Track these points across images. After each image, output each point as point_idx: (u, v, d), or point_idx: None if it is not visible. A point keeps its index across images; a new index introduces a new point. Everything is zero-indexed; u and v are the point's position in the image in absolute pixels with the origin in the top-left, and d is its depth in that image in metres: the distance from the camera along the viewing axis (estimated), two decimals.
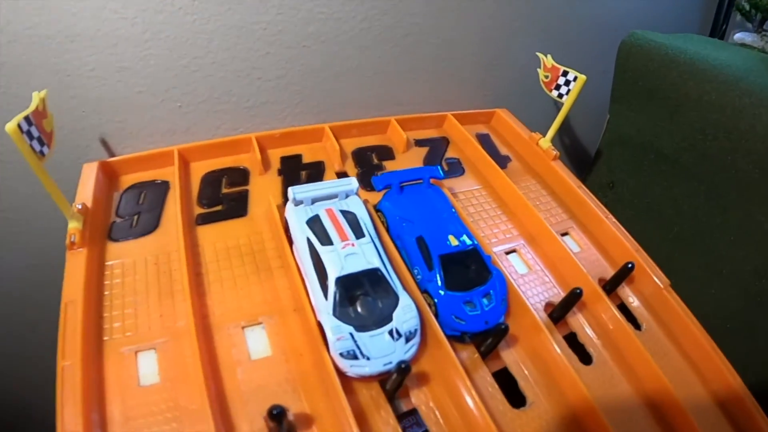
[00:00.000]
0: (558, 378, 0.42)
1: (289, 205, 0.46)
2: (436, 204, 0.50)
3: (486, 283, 0.43)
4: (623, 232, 0.56)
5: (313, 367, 0.39)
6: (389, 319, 0.38)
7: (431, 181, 0.53)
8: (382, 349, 0.37)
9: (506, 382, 0.42)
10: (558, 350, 0.42)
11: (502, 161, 0.67)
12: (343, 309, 0.38)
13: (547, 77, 0.63)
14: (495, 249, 0.53)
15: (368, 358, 0.36)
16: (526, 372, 0.43)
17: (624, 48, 0.73)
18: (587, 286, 0.48)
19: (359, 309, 0.39)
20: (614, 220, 0.58)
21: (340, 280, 0.39)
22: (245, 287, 0.44)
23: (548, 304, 0.49)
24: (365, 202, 0.50)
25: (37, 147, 0.39)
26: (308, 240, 0.42)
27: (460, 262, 0.44)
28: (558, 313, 0.47)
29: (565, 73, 0.60)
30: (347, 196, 0.47)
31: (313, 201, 0.46)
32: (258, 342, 0.40)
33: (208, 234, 0.49)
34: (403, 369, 0.34)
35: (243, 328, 0.41)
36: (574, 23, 0.78)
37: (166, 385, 0.37)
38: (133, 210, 0.50)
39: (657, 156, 0.75)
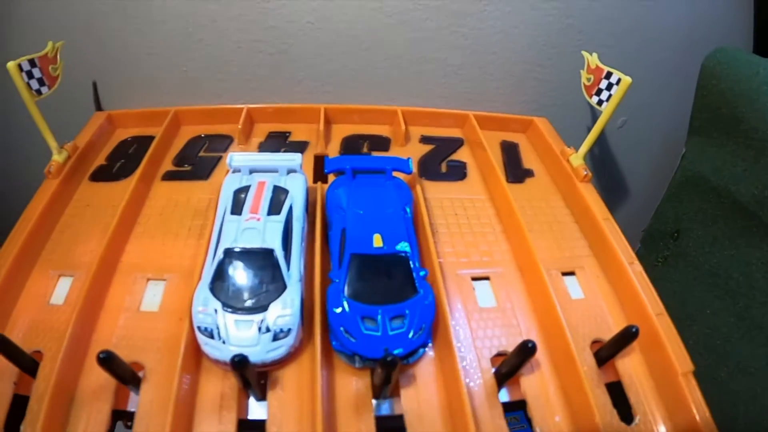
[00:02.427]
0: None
1: (230, 173, 0.44)
2: (387, 200, 0.43)
3: (403, 301, 0.36)
4: (647, 287, 0.43)
5: (185, 334, 0.36)
6: (264, 309, 0.34)
7: (395, 174, 0.47)
8: (242, 339, 0.33)
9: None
10: (469, 413, 0.32)
11: (521, 175, 0.57)
12: (219, 283, 0.35)
13: (589, 80, 0.53)
14: (461, 271, 0.44)
15: (224, 342, 0.33)
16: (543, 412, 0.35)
17: (708, 66, 0.59)
18: (562, 345, 0.38)
19: (237, 289, 0.35)
20: (640, 269, 0.45)
21: (226, 252, 0.36)
22: (170, 244, 0.44)
23: (499, 354, 0.39)
24: (318, 185, 0.46)
25: (35, 86, 0.46)
26: (226, 208, 0.40)
27: (379, 269, 0.37)
28: (505, 368, 0.37)
29: (608, 75, 0.50)
30: (289, 172, 0.44)
31: (251, 171, 0.43)
32: (153, 297, 0.40)
33: (165, 189, 0.50)
34: (237, 362, 0.29)
35: (148, 280, 0.41)
36: (643, 29, 0.64)
37: (65, 309, 0.38)
38: (120, 158, 0.54)
39: (733, 206, 0.59)
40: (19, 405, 0.32)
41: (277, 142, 0.57)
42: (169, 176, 0.51)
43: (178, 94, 0.59)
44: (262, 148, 0.56)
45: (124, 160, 0.53)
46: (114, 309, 0.38)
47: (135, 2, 0.53)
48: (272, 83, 0.60)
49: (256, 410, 0.34)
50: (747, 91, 0.55)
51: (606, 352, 0.39)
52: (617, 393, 0.38)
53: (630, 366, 0.40)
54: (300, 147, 0.56)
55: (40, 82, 0.46)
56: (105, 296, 0.39)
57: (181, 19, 0.55)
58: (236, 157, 0.43)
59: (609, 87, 0.50)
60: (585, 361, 0.37)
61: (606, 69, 0.51)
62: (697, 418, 0.35)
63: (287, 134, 0.58)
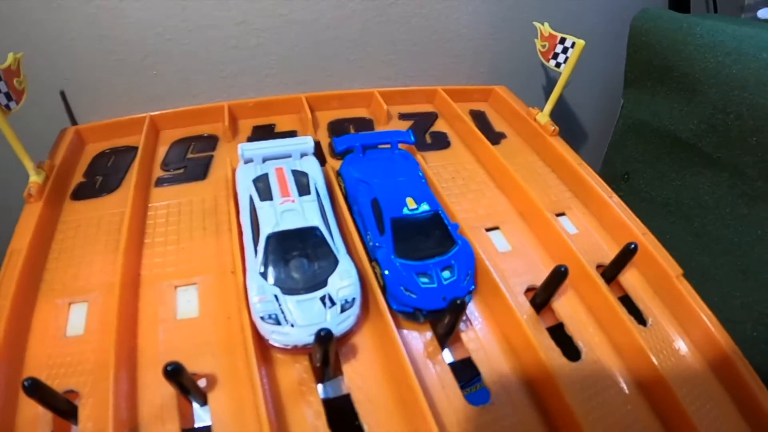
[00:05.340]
0: (531, 372, 0.36)
1: (240, 164, 0.43)
2: (402, 168, 0.45)
3: (447, 253, 0.38)
4: (629, 214, 0.49)
5: (238, 332, 0.35)
6: (323, 284, 0.34)
7: (401, 146, 0.49)
8: (310, 317, 0.33)
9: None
10: (534, 339, 0.35)
11: (495, 137, 0.62)
12: (272, 268, 0.34)
13: (544, 47, 0.58)
14: (474, 225, 0.48)
15: (293, 325, 0.32)
16: (493, 365, 0.37)
17: (636, 25, 0.67)
18: (579, 268, 0.42)
19: (291, 270, 0.35)
20: (619, 200, 0.51)
21: (271, 237, 0.35)
22: (188, 248, 0.42)
23: (530, 289, 0.43)
24: (326, 167, 0.46)
25: (3, 101, 0.42)
26: (250, 196, 0.39)
27: (418, 228, 0.39)
28: (540, 296, 0.41)
29: (562, 40, 0.55)
30: (302, 156, 0.44)
31: (265, 160, 0.43)
32: (188, 302, 0.38)
33: (164, 195, 0.47)
34: (323, 337, 0.29)
35: (176, 287, 0.39)
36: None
37: (88, 338, 0.35)
38: (99, 172, 0.50)
39: (674, 143, 0.68)
40: None
41: (264, 135, 0.56)
42: (163, 182, 0.48)
43: (152, 99, 0.56)
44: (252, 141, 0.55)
45: (105, 174, 0.49)
46: (149, 323, 0.36)
47: (97, 6, 0.50)
48: (247, 78, 0.59)
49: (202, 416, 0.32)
50: (674, 44, 0.63)
51: (610, 272, 0.45)
52: (628, 305, 0.43)
53: (632, 280, 0.46)
54: (289, 137, 0.55)
55: (7, 96, 0.42)
56: (137, 313, 0.36)
57: (147, 21, 0.52)
58: (247, 148, 0.42)
59: (565, 50, 0.56)
60: (597, 281, 0.42)
61: (559, 35, 0.56)
62: (698, 310, 0.41)
63: (272, 126, 0.57)
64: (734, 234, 0.62)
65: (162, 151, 0.53)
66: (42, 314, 0.37)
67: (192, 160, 0.51)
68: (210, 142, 0.54)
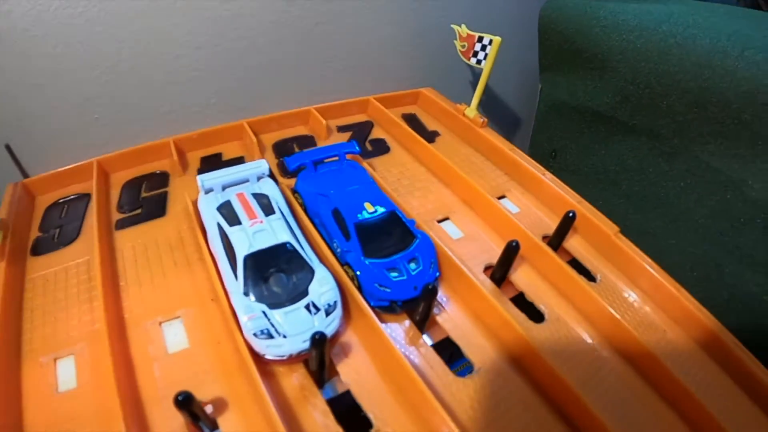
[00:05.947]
0: (504, 338, 0.40)
1: (201, 194, 0.45)
2: (353, 177, 0.49)
3: (410, 247, 0.42)
4: (563, 187, 0.55)
5: (232, 354, 0.37)
6: (305, 294, 0.37)
7: (348, 156, 0.52)
8: (299, 325, 0.35)
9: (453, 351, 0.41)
10: (501, 309, 0.40)
11: (430, 136, 0.67)
12: (254, 288, 0.37)
13: (464, 47, 0.63)
14: (427, 218, 0.52)
15: (285, 336, 0.35)
16: (469, 338, 0.41)
17: (544, 14, 0.74)
18: (528, 242, 0.48)
19: (272, 286, 0.37)
20: (552, 176, 0.57)
21: (248, 258, 0.37)
22: (163, 284, 0.43)
23: (488, 267, 0.48)
24: (280, 185, 0.49)
25: None
26: (218, 224, 0.41)
27: (380, 229, 0.43)
28: (499, 272, 0.46)
29: (480, 39, 0.61)
30: (259, 178, 0.46)
31: (224, 187, 0.45)
32: (176, 336, 0.39)
33: (127, 237, 0.48)
34: (318, 340, 0.32)
35: (160, 323, 0.40)
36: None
37: (84, 390, 0.35)
38: (55, 224, 0.50)
39: (593, 117, 0.75)
40: None
41: (213, 164, 0.57)
42: (123, 224, 0.49)
43: (97, 144, 0.56)
44: (203, 173, 0.56)
45: (60, 225, 0.49)
46: (143, 362, 0.37)
47: (28, 56, 0.49)
48: (188, 111, 0.60)
49: None
50: (581, 27, 0.70)
51: (556, 241, 0.51)
52: (576, 267, 0.48)
53: (576, 245, 0.52)
54: (238, 162, 0.57)
55: None
56: (129, 354, 0.37)
57: (82, 64, 0.52)
58: (206, 178, 0.44)
59: (483, 48, 0.61)
60: (545, 250, 0.47)
61: (477, 34, 0.62)
62: (639, 260, 0.47)
63: (220, 155, 0.59)
64: (660, 189, 0.69)
65: (115, 194, 0.53)
66: (30, 376, 0.36)
67: (147, 198, 0.52)
68: (161, 178, 0.55)
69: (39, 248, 0.47)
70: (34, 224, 0.49)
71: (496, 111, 0.96)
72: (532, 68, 0.83)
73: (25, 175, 0.55)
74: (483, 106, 0.77)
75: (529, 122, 0.91)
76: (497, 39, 0.59)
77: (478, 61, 0.62)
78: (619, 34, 0.66)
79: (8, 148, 0.53)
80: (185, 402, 0.30)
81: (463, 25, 0.63)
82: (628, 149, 0.72)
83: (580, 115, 0.77)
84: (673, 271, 0.48)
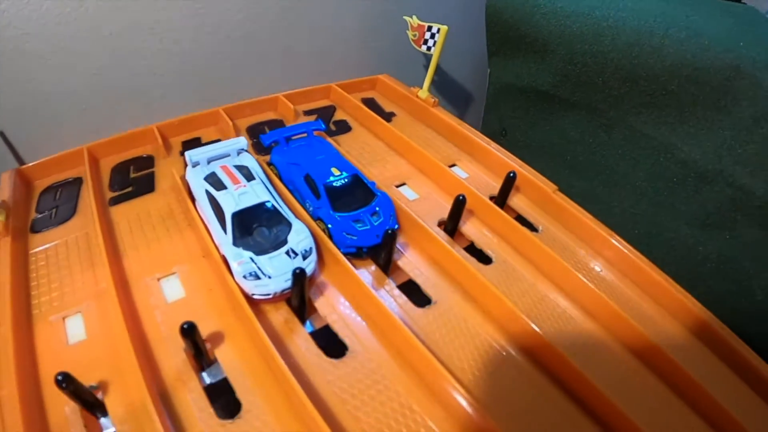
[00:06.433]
0: (458, 277, 0.48)
1: (188, 168, 0.51)
2: (321, 149, 0.56)
3: (372, 203, 0.49)
4: (507, 154, 0.64)
5: (224, 298, 0.43)
6: (285, 242, 0.44)
7: (315, 133, 0.59)
8: (282, 268, 0.42)
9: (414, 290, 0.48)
10: (455, 253, 0.48)
11: (387, 117, 0.74)
12: (241, 239, 0.43)
13: (415, 36, 0.71)
14: (386, 184, 0.59)
15: (270, 277, 0.41)
16: (428, 278, 0.48)
17: (490, 4, 0.82)
18: (475, 199, 0.56)
19: (256, 237, 0.44)
20: (497, 146, 0.65)
21: (235, 215, 0.44)
22: (158, 247, 0.49)
23: (441, 222, 0.55)
24: (257, 159, 0.55)
25: None
26: (206, 191, 0.47)
27: (345, 189, 0.50)
28: (450, 224, 0.53)
29: (429, 28, 0.68)
30: (239, 153, 0.52)
31: (209, 161, 0.51)
32: (173, 288, 0.45)
33: (120, 211, 0.53)
34: (299, 274, 0.39)
35: (159, 279, 0.45)
36: None
37: (93, 340, 0.40)
38: (50, 205, 0.54)
39: (537, 96, 0.83)
40: None
41: (193, 147, 0.62)
42: (117, 200, 0.54)
43: (84, 132, 0.61)
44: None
45: (56, 206, 0.54)
46: (146, 311, 0.42)
47: (21, 53, 0.54)
48: (169, 101, 0.66)
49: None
50: (523, 15, 0.77)
51: (500, 199, 0.59)
52: (520, 221, 0.56)
53: (519, 203, 0.61)
54: None
55: None
56: (134, 305, 0.43)
57: (73, 60, 0.57)
58: (193, 153, 0.50)
59: (432, 36, 0.69)
60: (491, 205, 0.55)
61: (426, 24, 0.69)
62: (575, 212, 0.56)
63: (199, 139, 0.65)
64: (600, 158, 0.77)
65: (105, 177, 0.58)
66: (41, 334, 0.40)
67: (136, 178, 0.57)
68: (147, 161, 0.60)
69: (37, 226, 0.51)
70: (30, 207, 0.54)
71: (451, 94, 1.04)
72: (482, 54, 0.91)
73: (21, 162, 0.60)
74: (439, 90, 0.85)
75: (482, 103, 1.00)
76: (444, 27, 0.66)
77: (429, 48, 0.69)
78: (557, 19, 0.73)
79: (2, 135, 0.58)
80: (189, 330, 0.36)
81: (414, 17, 0.70)
82: (570, 123, 0.80)
83: (526, 95, 0.85)
84: (617, 231, 0.55)
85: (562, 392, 0.40)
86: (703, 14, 0.62)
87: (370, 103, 0.77)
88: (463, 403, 0.36)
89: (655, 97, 0.65)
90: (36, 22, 0.53)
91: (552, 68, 0.78)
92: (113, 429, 0.35)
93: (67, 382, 0.33)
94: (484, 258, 0.52)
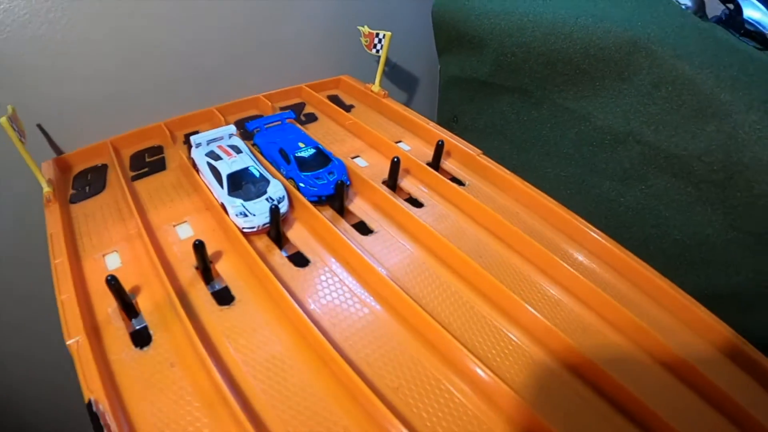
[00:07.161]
0: (398, 219, 0.64)
1: (193, 149, 0.67)
2: (292, 132, 0.73)
3: (329, 165, 0.66)
4: (442, 131, 0.81)
5: (224, 235, 0.60)
6: (265, 192, 0.60)
7: (288, 121, 0.76)
8: (262, 209, 0.58)
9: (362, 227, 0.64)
10: (393, 199, 0.64)
11: (347, 108, 0.91)
12: (233, 191, 0.60)
13: (366, 41, 0.88)
14: (343, 156, 0.73)
15: (254, 215, 0.58)
16: (373, 218, 0.65)
17: (435, 10, 0.96)
18: (413, 163, 0.72)
19: (244, 190, 0.60)
20: (435, 124, 0.82)
21: (229, 175, 0.61)
22: (171, 206, 0.65)
23: (384, 181, 0.72)
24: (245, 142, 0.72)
25: (19, 136, 0.60)
26: (207, 162, 0.64)
27: (309, 157, 0.67)
28: (390, 182, 0.70)
29: (377, 35, 0.85)
30: (230, 136, 0.69)
31: (208, 142, 0.68)
32: (185, 231, 0.61)
33: (141, 185, 0.69)
34: (274, 210, 0.56)
35: (174, 226, 0.62)
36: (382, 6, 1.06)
37: (127, 267, 0.56)
38: (84, 184, 0.70)
39: (479, 85, 0.97)
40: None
41: None
42: (137, 178, 0.70)
43: (108, 128, 0.78)
44: (187, 143, 0.77)
45: (89, 184, 0.70)
46: (167, 246, 0.59)
47: (54, 54, 0.71)
48: (171, 102, 0.83)
49: None
50: (462, 18, 0.91)
51: (434, 163, 0.75)
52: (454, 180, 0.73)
53: (452, 166, 0.78)
54: None
55: (21, 133, 0.60)
56: (157, 240, 0.59)
57: (94, 71, 0.74)
58: (197, 138, 0.67)
59: (380, 41, 0.86)
60: (425, 167, 0.72)
61: (375, 32, 0.86)
62: (500, 171, 0.73)
63: (197, 131, 0.81)
64: (534, 132, 0.91)
65: (125, 162, 0.75)
66: (88, 266, 0.56)
67: (150, 162, 0.74)
68: (158, 149, 0.77)
69: (75, 198, 0.67)
70: (68, 186, 0.70)
71: (409, 89, 1.22)
72: (434, 53, 1.08)
73: (59, 152, 0.76)
74: (398, 86, 1.01)
75: (436, 95, 1.17)
76: (388, 33, 0.84)
77: (377, 51, 0.86)
78: (488, 19, 0.86)
79: (40, 127, 0.75)
80: (200, 246, 0.52)
81: (365, 26, 0.88)
82: (506, 105, 0.94)
83: (470, 84, 1.00)
84: (551, 193, 0.65)
85: (482, 300, 0.57)
86: (608, 1, 0.72)
87: (334, 99, 0.95)
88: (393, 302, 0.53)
89: (571, 77, 0.77)
90: (72, 36, 0.70)
91: (488, 60, 0.89)
92: (144, 323, 0.51)
93: (114, 282, 0.49)
94: (418, 205, 0.69)
